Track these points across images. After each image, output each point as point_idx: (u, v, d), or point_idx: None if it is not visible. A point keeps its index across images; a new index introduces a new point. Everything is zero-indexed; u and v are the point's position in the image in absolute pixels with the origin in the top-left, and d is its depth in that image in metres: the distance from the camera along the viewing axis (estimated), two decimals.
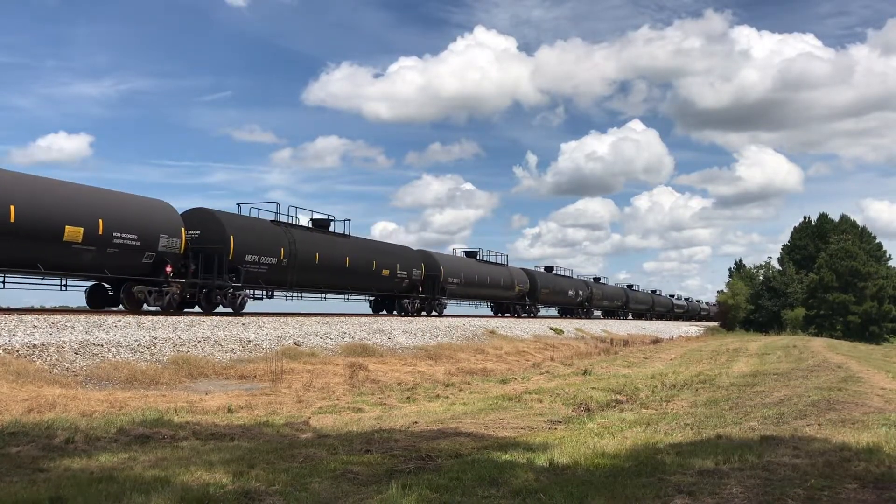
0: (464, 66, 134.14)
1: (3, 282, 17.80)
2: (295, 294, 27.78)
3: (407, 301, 33.77)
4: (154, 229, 20.17)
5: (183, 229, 21.42)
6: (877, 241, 73.48)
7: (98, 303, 20.86)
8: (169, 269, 20.55)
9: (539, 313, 49.73)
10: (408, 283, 33.27)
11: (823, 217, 76.37)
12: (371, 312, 33.81)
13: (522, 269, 48.71)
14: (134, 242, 19.43)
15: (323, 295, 29.57)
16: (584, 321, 51.37)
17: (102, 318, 17.14)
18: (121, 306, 20.84)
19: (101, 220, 18.48)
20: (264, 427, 9.24)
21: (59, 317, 16.49)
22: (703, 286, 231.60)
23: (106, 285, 20.81)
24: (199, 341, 17.26)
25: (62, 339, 14.70)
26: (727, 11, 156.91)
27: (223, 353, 17.10)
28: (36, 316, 16.31)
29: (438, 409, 11.73)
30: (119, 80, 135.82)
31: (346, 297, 31.44)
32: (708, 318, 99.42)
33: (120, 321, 17.20)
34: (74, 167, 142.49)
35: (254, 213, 25.56)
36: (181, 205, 28.71)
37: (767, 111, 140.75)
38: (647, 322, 66.97)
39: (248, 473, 6.18)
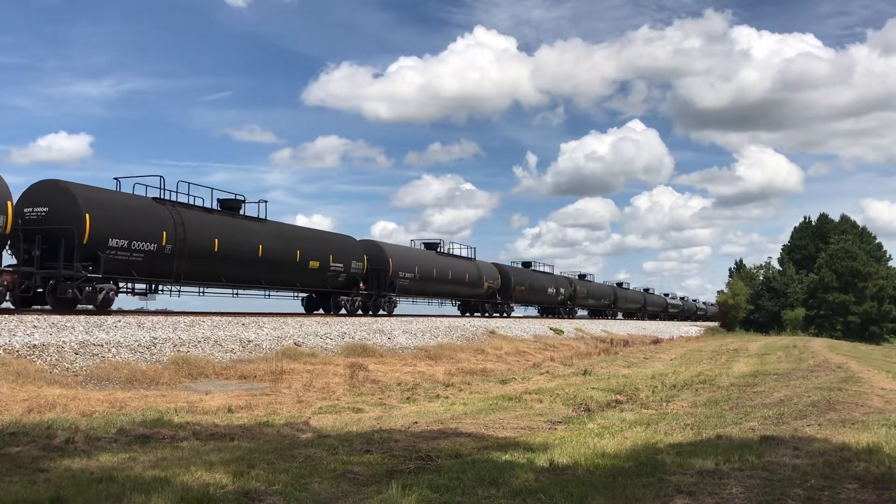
0: (464, 66, 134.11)
1: None
2: (194, 290, 23.13)
3: (345, 298, 29.32)
4: None
5: (10, 203, 17.22)
6: (877, 241, 73.53)
7: None
8: None
9: (514, 313, 46.37)
10: (345, 278, 28.84)
11: (823, 217, 76.41)
12: (305, 312, 29.43)
13: (494, 263, 44.73)
14: None
15: (234, 291, 24.75)
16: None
17: (103, 319, 17.14)
18: None
19: None
20: (264, 427, 9.24)
21: (59, 317, 16.49)
22: (703, 286, 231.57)
23: None
24: (199, 341, 17.26)
25: (62, 339, 14.70)
26: (727, 11, 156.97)
27: (223, 353, 17.11)
28: (36, 316, 16.31)
29: (438, 409, 11.73)
30: (119, 80, 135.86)
31: (267, 293, 26.74)
32: (705, 318, 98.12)
33: (120, 321, 17.20)
34: (74, 167, 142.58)
35: (139, 191, 21.35)
36: None
37: (767, 111, 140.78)
38: (647, 322, 66.75)
39: (249, 473, 6.18)
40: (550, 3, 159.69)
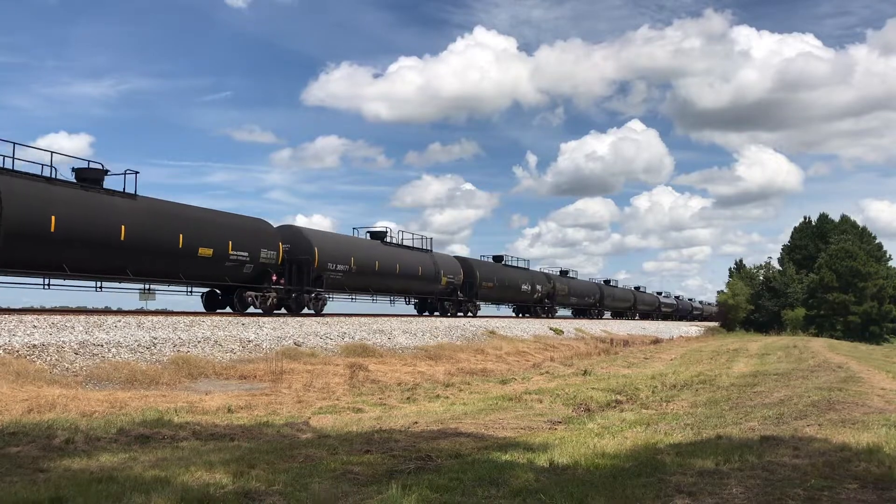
0: (464, 67, 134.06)
1: None
2: (23, 281, 18.48)
3: (254, 294, 24.30)
4: None
5: None
6: (877, 241, 73.52)
7: None
8: None
9: (481, 312, 41.57)
10: (253, 270, 23.95)
11: (823, 217, 76.41)
12: (206, 311, 24.51)
13: (456, 256, 40.95)
14: None
15: (98, 285, 20.51)
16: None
17: (103, 319, 17.14)
18: None
19: None
20: (264, 427, 9.24)
21: (59, 317, 16.49)
22: (703, 286, 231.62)
23: None
24: (199, 341, 17.26)
25: (62, 339, 14.70)
26: (727, 11, 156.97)
27: (223, 353, 17.11)
28: (36, 316, 16.31)
29: (438, 409, 11.73)
30: (119, 80, 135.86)
31: (147, 287, 22.27)
32: (701, 318, 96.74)
33: (120, 321, 17.20)
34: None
35: None
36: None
37: (767, 111, 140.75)
38: (647, 322, 66.64)
39: (249, 473, 6.18)
40: (550, 3, 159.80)
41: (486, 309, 43.89)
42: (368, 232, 33.37)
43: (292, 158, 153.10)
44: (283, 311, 26.21)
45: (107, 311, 21.90)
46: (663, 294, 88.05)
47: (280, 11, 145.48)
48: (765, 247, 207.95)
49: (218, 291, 24.84)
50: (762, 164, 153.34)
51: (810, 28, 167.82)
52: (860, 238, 70.58)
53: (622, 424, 9.79)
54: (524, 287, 46.40)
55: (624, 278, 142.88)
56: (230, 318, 21.02)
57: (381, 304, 34.64)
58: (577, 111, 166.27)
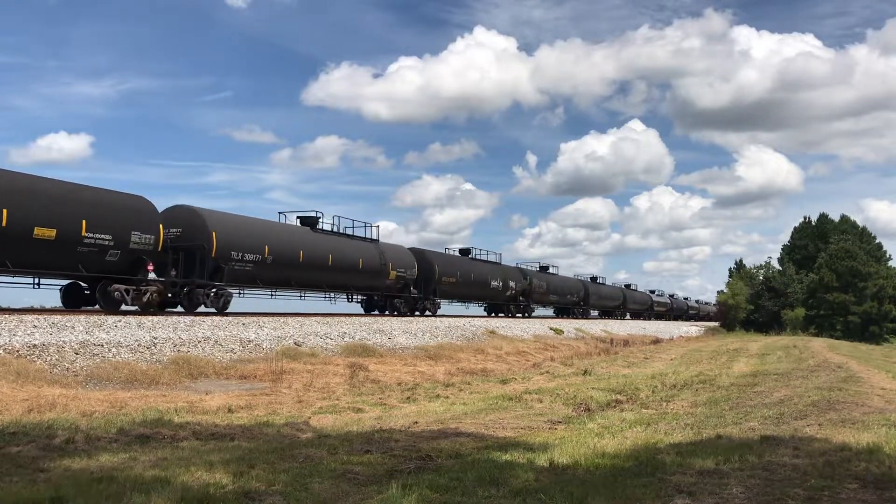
0: (464, 67, 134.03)
1: None
2: None
3: (125, 289, 19.57)
4: None
5: None
6: (877, 241, 73.62)
7: None
8: None
9: (439, 311, 36.62)
10: (121, 258, 19.47)
11: (823, 217, 76.50)
12: (64, 308, 20.17)
13: (412, 248, 35.77)
14: None
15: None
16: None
17: (103, 319, 17.14)
18: None
19: None
20: (264, 427, 9.24)
21: (59, 317, 16.49)
22: (703, 286, 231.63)
23: None
24: (200, 341, 17.26)
25: (62, 339, 14.70)
26: (727, 11, 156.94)
27: (223, 353, 17.11)
28: (36, 316, 16.31)
29: (438, 409, 11.73)
30: (119, 80, 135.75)
31: None
32: (697, 317, 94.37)
33: (120, 321, 17.20)
34: (74, 167, 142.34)
35: None
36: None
37: (767, 111, 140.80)
38: (648, 322, 66.38)
39: (249, 473, 6.18)
40: (550, 3, 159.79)
41: (448, 308, 39.42)
42: (298, 217, 28.35)
43: (292, 158, 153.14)
44: (182, 309, 22.19)
45: (107, 311, 21.88)
46: (657, 292, 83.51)
47: (280, 11, 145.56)
48: (765, 247, 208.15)
49: (83, 284, 20.32)
50: (762, 164, 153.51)
51: (810, 28, 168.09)
52: (860, 238, 70.64)
53: (622, 424, 9.78)
54: (494, 283, 41.82)
55: (624, 278, 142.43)
56: (230, 318, 21.02)
57: (315, 301, 29.81)
58: (577, 111, 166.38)
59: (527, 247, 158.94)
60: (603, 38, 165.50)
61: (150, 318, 18.61)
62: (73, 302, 20.41)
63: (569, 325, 42.89)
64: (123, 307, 20.08)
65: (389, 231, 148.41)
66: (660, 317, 79.24)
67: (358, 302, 32.82)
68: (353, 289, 30.90)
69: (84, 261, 18.77)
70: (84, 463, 6.84)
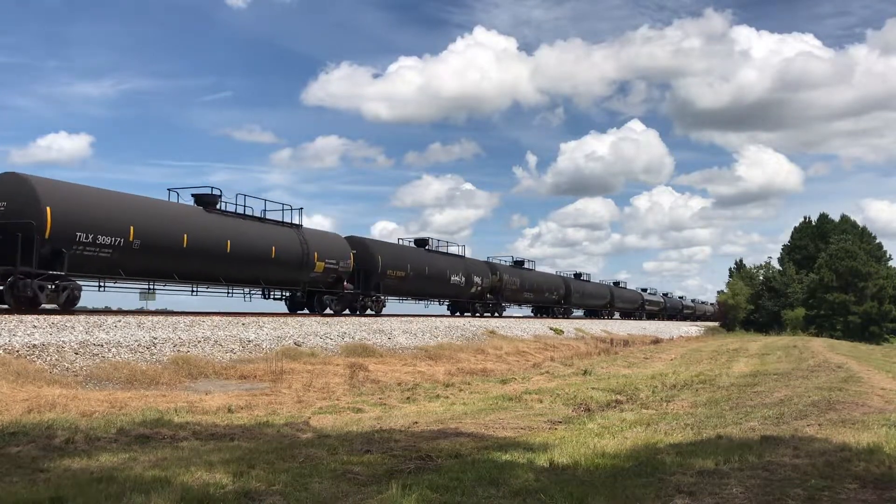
0: (464, 67, 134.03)
1: None
2: None
3: None
4: None
5: None
6: (877, 241, 73.59)
7: None
8: None
9: (384, 310, 32.12)
10: None
11: (823, 217, 76.49)
12: None
13: (351, 237, 30.54)
14: None
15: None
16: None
17: (103, 319, 17.14)
18: None
19: None
20: (264, 427, 9.24)
21: (59, 317, 16.49)
22: (703, 286, 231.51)
23: None
24: (199, 341, 17.26)
25: (62, 339, 14.70)
26: (727, 11, 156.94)
27: (223, 353, 17.11)
28: (36, 316, 16.30)
29: (438, 409, 11.73)
30: (119, 80, 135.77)
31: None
32: (693, 317, 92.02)
33: (120, 321, 17.20)
34: (74, 167, 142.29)
35: None
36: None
37: (767, 111, 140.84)
38: (647, 322, 66.03)
39: (249, 473, 6.18)
40: (550, 3, 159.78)
41: (398, 306, 35.50)
42: (193, 195, 23.01)
43: (292, 158, 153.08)
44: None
45: (107, 312, 21.90)
46: (648, 291, 79.51)
47: (280, 11, 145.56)
48: (765, 247, 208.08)
49: None
50: (762, 164, 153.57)
51: (810, 28, 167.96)
52: (860, 238, 70.61)
53: (622, 424, 9.78)
54: (455, 279, 36.78)
55: (624, 278, 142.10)
56: (230, 318, 21.01)
57: (217, 298, 24.78)
58: (577, 111, 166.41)
59: (527, 247, 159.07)
60: (603, 38, 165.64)
61: (149, 317, 18.60)
62: None
63: (568, 325, 42.86)
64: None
65: (389, 231, 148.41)
66: (652, 317, 75.84)
67: (278, 299, 27.54)
68: (265, 283, 25.05)
69: None
70: (84, 463, 6.84)
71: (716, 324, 73.84)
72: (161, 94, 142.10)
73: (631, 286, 75.67)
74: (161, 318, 19.10)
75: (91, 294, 20.57)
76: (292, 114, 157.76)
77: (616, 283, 69.18)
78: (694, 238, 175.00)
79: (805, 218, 78.06)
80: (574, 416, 11.02)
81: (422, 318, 31.70)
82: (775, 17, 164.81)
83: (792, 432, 8.33)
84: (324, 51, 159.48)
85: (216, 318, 20.54)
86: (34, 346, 13.89)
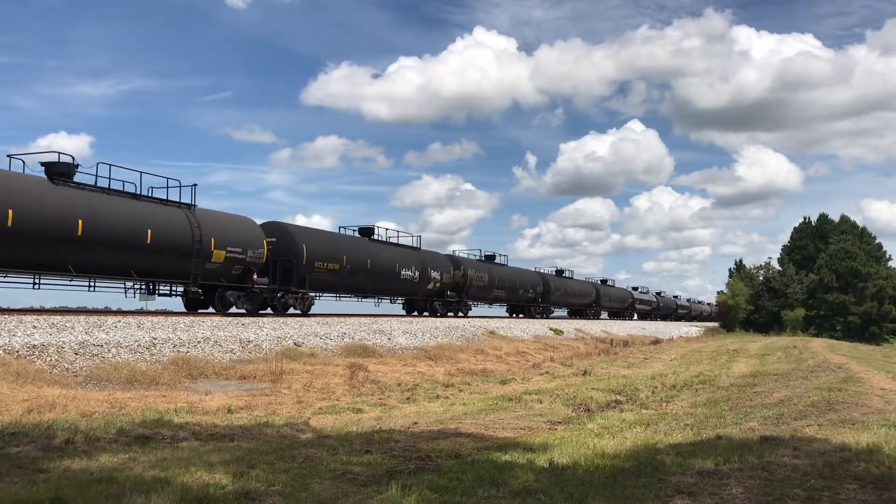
0: (464, 67, 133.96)
1: None
2: None
3: None
4: None
5: None
6: (877, 241, 73.65)
7: None
8: None
9: (311, 309, 26.67)
10: None
11: (823, 217, 76.47)
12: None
13: (269, 222, 25.84)
14: None
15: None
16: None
17: (103, 319, 17.14)
18: None
19: None
20: (264, 427, 9.24)
21: (58, 317, 16.49)
22: (703, 286, 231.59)
23: None
24: (199, 342, 17.26)
25: (62, 339, 14.70)
26: (727, 11, 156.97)
27: (223, 353, 17.11)
28: (36, 316, 16.30)
29: (438, 409, 11.73)
30: (119, 81, 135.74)
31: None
32: (688, 317, 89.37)
33: (120, 321, 17.20)
34: None
35: None
36: None
37: (767, 111, 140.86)
38: (648, 322, 65.94)
39: (248, 474, 6.18)
40: (550, 3, 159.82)
41: (333, 304, 31.43)
42: (42, 163, 18.76)
43: (292, 158, 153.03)
44: None
45: (107, 312, 21.86)
46: (640, 289, 75.59)
47: (280, 11, 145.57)
48: (765, 247, 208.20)
49: None
50: (762, 164, 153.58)
51: (810, 28, 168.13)
52: (860, 238, 70.65)
53: (622, 425, 9.79)
54: (406, 273, 31.98)
55: (624, 278, 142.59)
56: (230, 319, 21.01)
57: (77, 292, 20.54)
58: (577, 111, 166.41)
59: (527, 247, 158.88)
60: (603, 38, 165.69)
61: (149, 318, 18.61)
62: None
63: (568, 326, 42.85)
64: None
65: (389, 231, 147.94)
66: (644, 316, 72.40)
67: (166, 294, 22.28)
68: (139, 275, 20.21)
69: None
70: (84, 463, 6.84)
71: (715, 324, 73.78)
72: (161, 95, 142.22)
73: (630, 286, 73.98)
74: (161, 318, 19.11)
75: (84, 295, 19.23)
76: (292, 114, 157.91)
77: (603, 281, 65.67)
78: (694, 238, 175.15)
79: (805, 218, 78.12)
80: (574, 416, 11.03)
81: (422, 319, 31.60)
82: (775, 17, 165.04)
83: (792, 433, 8.33)
84: (324, 51, 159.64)
85: (216, 319, 20.55)
86: (34, 346, 13.89)
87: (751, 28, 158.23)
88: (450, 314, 36.98)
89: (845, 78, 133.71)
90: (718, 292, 79.16)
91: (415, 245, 34.80)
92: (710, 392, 13.85)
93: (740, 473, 6.22)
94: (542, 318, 47.31)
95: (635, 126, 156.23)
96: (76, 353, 14.26)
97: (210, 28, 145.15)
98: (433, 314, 35.48)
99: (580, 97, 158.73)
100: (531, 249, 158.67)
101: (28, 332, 14.60)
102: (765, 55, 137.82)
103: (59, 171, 18.76)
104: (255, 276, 23.57)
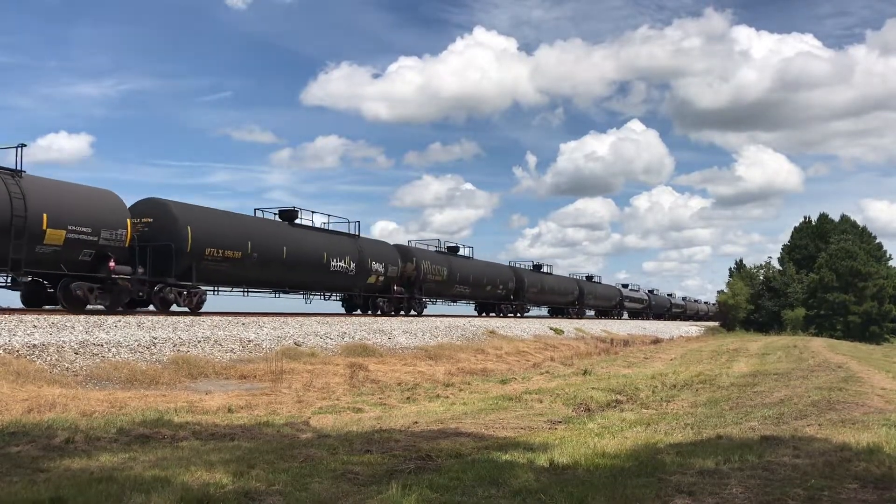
0: (463, 67, 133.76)
1: None
2: None
3: None
4: None
5: None
6: (877, 241, 73.60)
7: None
8: None
9: (202, 308, 22.13)
10: None
11: (823, 217, 76.42)
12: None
13: (147, 199, 21.21)
14: None
15: None
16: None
17: (102, 319, 17.14)
18: None
19: None
20: (264, 427, 9.24)
21: (58, 317, 16.49)
22: (703, 286, 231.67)
23: None
24: (199, 341, 17.26)
25: (62, 339, 14.70)
26: (727, 11, 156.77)
27: (223, 353, 17.10)
28: (36, 316, 16.30)
29: (438, 409, 11.73)
30: (119, 80, 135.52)
31: None
32: (684, 316, 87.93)
33: (120, 321, 17.20)
34: (74, 167, 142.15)
35: None
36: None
37: (766, 111, 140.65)
38: (648, 322, 65.76)
39: (249, 473, 6.18)
40: (550, 3, 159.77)
41: (237, 301, 30.07)
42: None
43: (292, 158, 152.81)
44: None
45: (107, 312, 21.85)
46: (630, 286, 71.73)
47: (280, 11, 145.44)
48: (765, 247, 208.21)
49: None
50: (762, 164, 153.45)
51: (810, 28, 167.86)
52: (860, 238, 70.60)
53: (622, 424, 9.79)
54: (339, 265, 27.54)
55: (623, 278, 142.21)
56: (230, 318, 21.01)
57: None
58: (577, 111, 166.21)
59: (527, 247, 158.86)
60: (603, 38, 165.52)
61: (150, 317, 18.60)
62: None
63: (569, 325, 42.85)
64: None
65: (389, 231, 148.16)
66: (635, 315, 69.21)
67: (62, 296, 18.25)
68: None
69: None
70: (84, 463, 6.84)
71: (716, 323, 73.77)
72: (161, 95, 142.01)
73: (620, 283, 70.86)
74: (161, 317, 19.10)
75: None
76: (292, 114, 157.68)
77: (589, 277, 61.74)
78: (694, 238, 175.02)
79: (805, 218, 78.04)
80: (574, 416, 11.03)
81: (422, 319, 31.49)
82: (775, 17, 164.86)
83: (792, 432, 8.33)
84: (323, 51, 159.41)
85: (216, 318, 20.54)
86: (34, 345, 13.89)
87: (751, 28, 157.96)
88: (400, 313, 32.87)
89: (845, 78, 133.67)
90: (719, 292, 79.14)
91: (352, 233, 30.04)
92: (710, 392, 13.85)
93: (741, 473, 6.22)
94: (515, 316, 44.14)
95: (635, 126, 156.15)
96: (76, 353, 14.27)
97: (210, 28, 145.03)
98: (375, 312, 30.98)
99: (580, 97, 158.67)
100: (531, 249, 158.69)
101: (28, 332, 14.60)
102: (765, 55, 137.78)
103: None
104: (111, 264, 18.79)
